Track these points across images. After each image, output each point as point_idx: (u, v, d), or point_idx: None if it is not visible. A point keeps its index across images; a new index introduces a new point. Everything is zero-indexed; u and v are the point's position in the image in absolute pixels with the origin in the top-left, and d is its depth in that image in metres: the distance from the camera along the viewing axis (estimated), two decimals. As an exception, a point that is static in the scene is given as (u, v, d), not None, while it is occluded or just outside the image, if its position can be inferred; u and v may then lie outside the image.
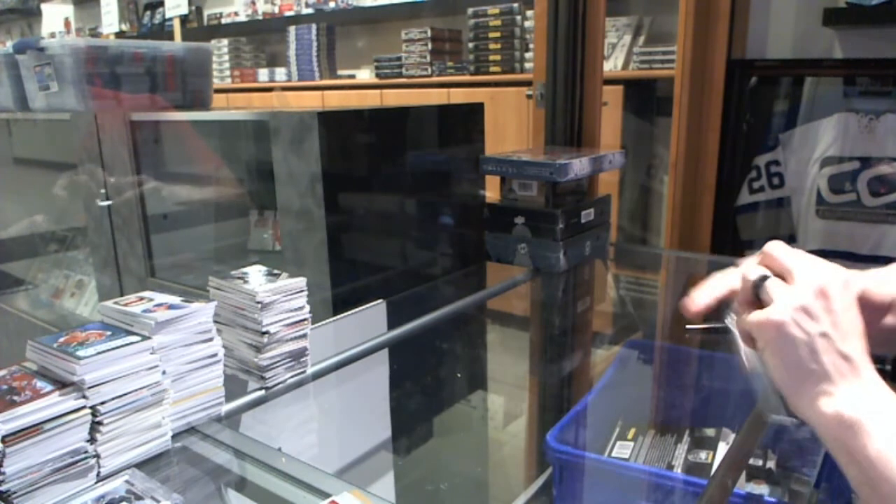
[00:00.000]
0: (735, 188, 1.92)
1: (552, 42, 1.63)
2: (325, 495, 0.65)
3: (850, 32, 1.81)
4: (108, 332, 0.72)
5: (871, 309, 0.70)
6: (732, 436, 1.09)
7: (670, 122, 1.91)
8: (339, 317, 1.14)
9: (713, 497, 0.64)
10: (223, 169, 1.76)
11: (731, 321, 0.67)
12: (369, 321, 1.18)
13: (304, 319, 0.90)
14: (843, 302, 0.58)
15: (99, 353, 0.67)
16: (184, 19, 4.61)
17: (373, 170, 1.26)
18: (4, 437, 0.60)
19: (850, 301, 0.59)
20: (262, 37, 4.93)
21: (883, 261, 0.75)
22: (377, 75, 4.07)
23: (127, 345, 0.69)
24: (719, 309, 0.71)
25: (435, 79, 3.79)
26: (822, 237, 1.79)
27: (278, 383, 0.89)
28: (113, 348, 0.68)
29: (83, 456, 0.66)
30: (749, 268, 0.64)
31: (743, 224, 1.92)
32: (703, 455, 1.07)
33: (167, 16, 4.67)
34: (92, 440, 0.66)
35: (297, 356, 0.91)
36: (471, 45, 3.53)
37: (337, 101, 4.05)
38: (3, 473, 0.60)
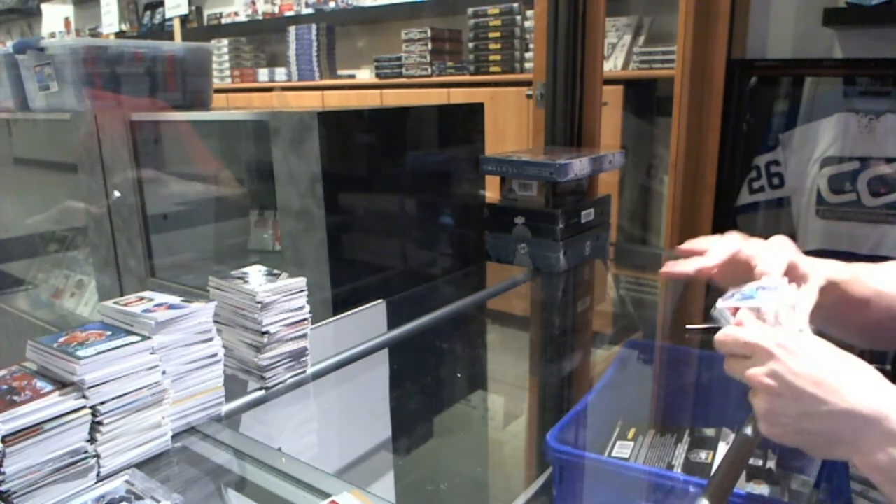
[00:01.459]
0: (735, 188, 1.92)
1: (552, 42, 1.63)
2: (325, 495, 0.65)
3: (850, 32, 1.81)
4: (108, 332, 0.72)
5: (850, 304, 0.71)
6: (732, 436, 1.09)
7: (670, 122, 1.91)
8: (339, 317, 1.14)
9: (713, 497, 0.64)
10: (223, 169, 1.76)
11: (720, 313, 0.68)
12: (369, 321, 1.18)
13: (304, 319, 0.90)
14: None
15: (99, 353, 0.67)
16: (184, 19, 4.60)
17: (373, 170, 1.26)
18: (4, 437, 0.60)
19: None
20: (262, 37, 4.93)
21: (882, 261, 0.76)
22: (377, 75, 4.07)
23: (127, 345, 0.69)
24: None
25: (435, 79, 3.79)
26: (822, 237, 1.79)
27: (278, 383, 0.89)
28: (113, 348, 0.68)
29: (83, 456, 0.66)
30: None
31: (743, 224, 1.92)
32: (703, 455, 1.07)
33: (167, 16, 4.66)
34: (92, 440, 0.66)
35: (297, 356, 0.91)
36: (471, 45, 3.53)
37: (337, 101, 4.05)
38: (3, 473, 0.60)
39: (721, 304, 0.68)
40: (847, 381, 0.55)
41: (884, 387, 0.55)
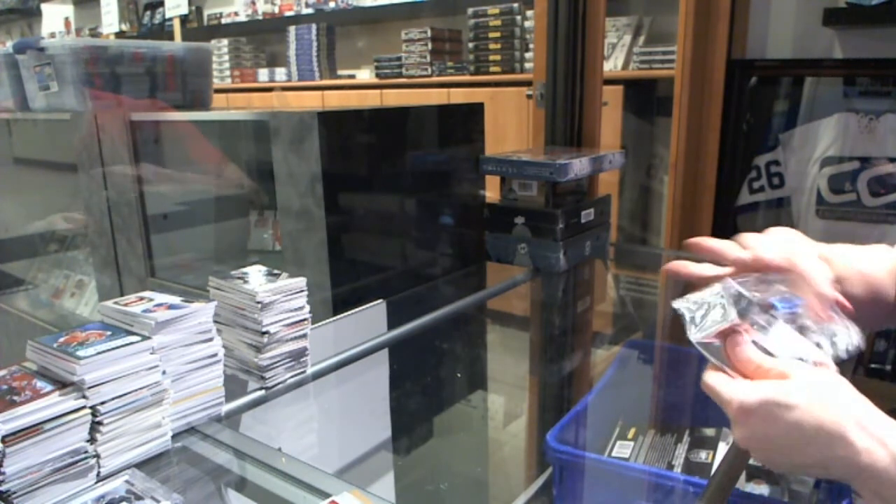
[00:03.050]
0: (735, 188, 1.92)
1: (552, 42, 1.63)
2: (325, 495, 0.65)
3: (850, 32, 1.81)
4: (108, 332, 0.72)
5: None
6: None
7: (670, 122, 1.91)
8: (339, 317, 1.14)
9: (713, 497, 0.64)
10: (223, 168, 1.76)
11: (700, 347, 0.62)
12: (369, 321, 1.18)
13: (304, 319, 0.90)
14: None
15: (99, 353, 0.67)
16: (184, 19, 4.61)
17: (373, 170, 1.26)
18: (4, 437, 0.60)
19: None
20: (262, 37, 4.93)
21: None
22: (377, 75, 4.08)
23: (127, 345, 0.69)
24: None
25: (435, 79, 3.79)
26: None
27: (278, 383, 0.89)
28: (113, 348, 0.68)
29: (83, 456, 0.66)
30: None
31: (743, 224, 1.92)
32: (703, 455, 1.07)
33: (167, 16, 4.67)
34: (92, 440, 0.66)
35: (297, 356, 0.91)
36: (471, 45, 3.54)
37: (337, 101, 4.05)
38: (3, 473, 0.60)
39: (695, 334, 0.61)
40: (829, 452, 0.51)
41: (870, 430, 0.51)
